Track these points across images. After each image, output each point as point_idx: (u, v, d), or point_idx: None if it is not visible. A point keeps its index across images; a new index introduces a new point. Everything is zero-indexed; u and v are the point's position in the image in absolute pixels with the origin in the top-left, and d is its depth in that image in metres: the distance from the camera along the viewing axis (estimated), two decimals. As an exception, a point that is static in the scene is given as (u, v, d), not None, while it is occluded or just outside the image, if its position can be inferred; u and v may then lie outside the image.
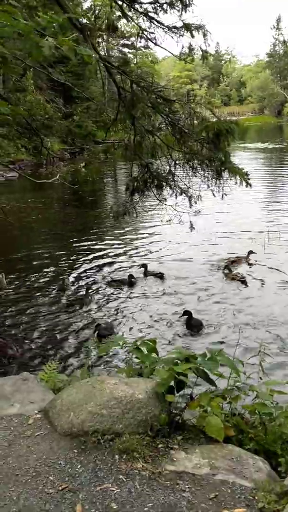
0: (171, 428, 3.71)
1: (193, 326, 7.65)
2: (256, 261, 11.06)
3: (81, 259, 12.04)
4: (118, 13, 8.15)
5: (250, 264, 10.83)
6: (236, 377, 4.46)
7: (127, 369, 4.45)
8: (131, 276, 10.05)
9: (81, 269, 11.30)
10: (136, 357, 4.52)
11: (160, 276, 10.32)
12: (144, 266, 10.62)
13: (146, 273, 10.47)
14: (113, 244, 13.33)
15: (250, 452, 3.63)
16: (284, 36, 79.43)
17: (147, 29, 7.72)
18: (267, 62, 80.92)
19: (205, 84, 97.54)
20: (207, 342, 7.30)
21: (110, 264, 11.67)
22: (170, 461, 3.36)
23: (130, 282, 9.95)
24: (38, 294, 9.76)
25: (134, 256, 12.17)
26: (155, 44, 7.58)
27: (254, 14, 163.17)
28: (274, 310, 8.49)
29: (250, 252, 11.08)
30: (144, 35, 7.65)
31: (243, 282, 9.73)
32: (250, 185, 7.49)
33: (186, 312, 7.79)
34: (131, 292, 9.67)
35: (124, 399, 3.57)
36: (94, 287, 10.02)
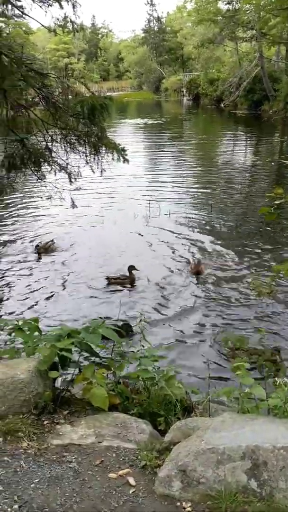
0: (56, 404, 3.75)
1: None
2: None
3: None
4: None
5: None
6: (120, 347, 4.63)
7: (9, 351, 4.36)
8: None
9: None
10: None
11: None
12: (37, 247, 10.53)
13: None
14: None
15: (134, 417, 3.81)
16: (157, 12, 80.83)
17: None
18: (143, 38, 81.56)
19: (83, 58, 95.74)
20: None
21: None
22: (56, 436, 3.41)
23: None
24: None
25: (16, 235, 11.80)
26: (23, 13, 7.23)
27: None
28: (153, 279, 8.90)
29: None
30: (11, 2, 7.23)
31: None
32: (127, 161, 7.58)
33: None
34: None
35: (5, 380, 3.51)
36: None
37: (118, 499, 2.79)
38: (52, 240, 10.69)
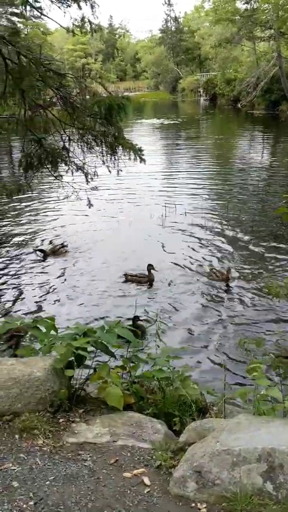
0: (72, 402, 3.76)
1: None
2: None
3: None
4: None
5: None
6: (135, 347, 4.63)
7: (25, 349, 4.40)
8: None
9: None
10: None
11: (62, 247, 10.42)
12: (41, 251, 10.42)
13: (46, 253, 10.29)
14: (9, 223, 12.91)
15: (149, 416, 3.81)
16: (175, 13, 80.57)
17: (33, -3, 7.34)
18: (160, 38, 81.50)
19: (100, 58, 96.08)
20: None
21: (9, 242, 11.37)
22: (71, 434, 3.42)
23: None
24: None
25: (32, 235, 11.89)
26: (42, 14, 7.28)
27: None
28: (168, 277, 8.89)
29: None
30: (30, 3, 7.29)
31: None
32: (144, 161, 7.59)
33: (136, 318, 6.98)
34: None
35: (22, 378, 3.54)
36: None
37: (133, 498, 2.79)
38: (63, 244, 10.60)
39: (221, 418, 3.75)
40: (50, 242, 11.04)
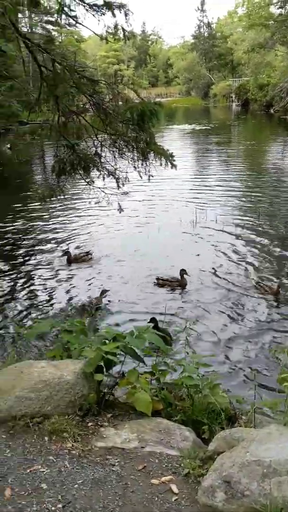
0: (100, 406, 3.78)
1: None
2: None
3: (10, 242, 11.78)
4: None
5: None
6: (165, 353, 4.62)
7: (56, 351, 4.44)
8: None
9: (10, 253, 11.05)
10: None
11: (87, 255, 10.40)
12: (67, 253, 10.40)
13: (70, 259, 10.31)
14: (41, 227, 13.12)
15: (177, 423, 3.78)
16: (208, 18, 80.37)
17: (68, 6, 7.49)
18: (193, 43, 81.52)
19: (132, 64, 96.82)
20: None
21: (39, 245, 11.55)
22: (100, 438, 3.43)
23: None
24: None
25: (62, 238, 12.05)
26: (77, 22, 7.40)
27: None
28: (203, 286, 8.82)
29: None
30: (65, 12, 7.43)
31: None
32: (175, 167, 7.61)
33: (152, 320, 6.98)
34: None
35: (52, 381, 3.58)
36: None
37: (160, 506, 2.77)
38: (88, 252, 10.53)
39: (251, 427, 3.69)
40: (67, 247, 11.07)
